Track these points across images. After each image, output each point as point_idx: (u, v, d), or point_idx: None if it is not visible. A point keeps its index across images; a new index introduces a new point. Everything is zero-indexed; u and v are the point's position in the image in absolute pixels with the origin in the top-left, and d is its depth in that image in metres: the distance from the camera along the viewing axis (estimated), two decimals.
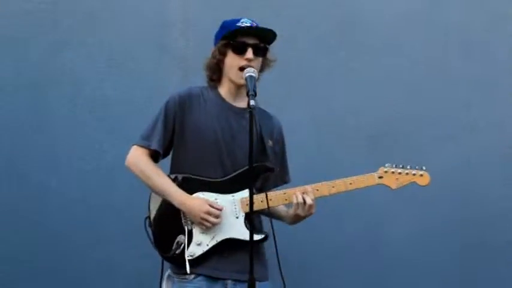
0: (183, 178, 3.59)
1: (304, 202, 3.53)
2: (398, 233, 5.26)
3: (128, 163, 3.64)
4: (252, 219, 3.35)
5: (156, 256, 3.68)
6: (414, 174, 3.63)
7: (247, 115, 3.49)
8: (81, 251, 5.07)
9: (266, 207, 3.55)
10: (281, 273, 3.56)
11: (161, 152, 3.62)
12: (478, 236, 5.29)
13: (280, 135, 3.76)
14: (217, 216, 3.51)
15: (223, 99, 3.66)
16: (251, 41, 3.58)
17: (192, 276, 3.54)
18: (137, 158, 3.63)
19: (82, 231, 5.09)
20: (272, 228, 3.58)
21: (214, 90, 3.69)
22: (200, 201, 3.52)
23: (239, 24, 3.61)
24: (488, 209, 5.32)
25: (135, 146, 3.65)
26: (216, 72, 3.67)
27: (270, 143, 3.66)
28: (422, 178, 3.63)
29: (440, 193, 5.00)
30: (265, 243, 3.64)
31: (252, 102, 3.28)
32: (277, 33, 3.66)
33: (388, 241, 5.26)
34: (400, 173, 3.63)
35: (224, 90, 3.67)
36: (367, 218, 5.23)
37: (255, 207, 3.45)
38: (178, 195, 3.55)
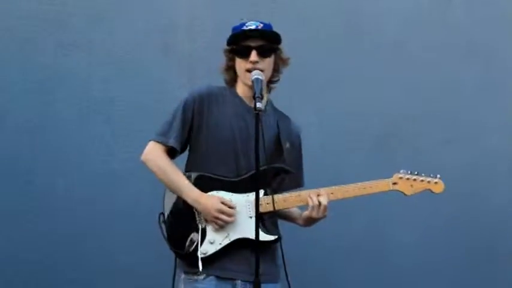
0: (197, 176, 3.61)
1: (319, 204, 3.55)
2: (404, 235, 5.26)
3: (144, 158, 3.67)
4: (258, 220, 3.34)
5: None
6: (429, 182, 3.67)
7: (264, 117, 3.59)
8: (88, 253, 5.07)
9: (275, 209, 3.56)
10: (286, 275, 3.59)
11: (178, 149, 3.64)
12: (484, 240, 5.28)
13: (297, 140, 3.80)
14: (230, 215, 3.52)
15: (241, 100, 3.69)
16: (255, 43, 3.59)
17: (202, 276, 3.55)
18: (154, 153, 3.64)
19: (89, 233, 5.08)
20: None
21: (233, 90, 3.72)
22: (214, 199, 3.54)
23: (243, 28, 3.63)
24: (495, 212, 5.30)
25: (152, 142, 3.66)
26: (230, 76, 3.72)
27: (287, 145, 3.70)
28: (437, 186, 3.67)
29: (447, 196, 4.97)
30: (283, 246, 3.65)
31: (258, 105, 3.31)
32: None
33: (393, 243, 5.26)
34: (414, 180, 3.66)
35: (240, 91, 3.71)
36: (373, 220, 5.23)
37: (265, 209, 3.52)
38: (192, 193, 3.56)
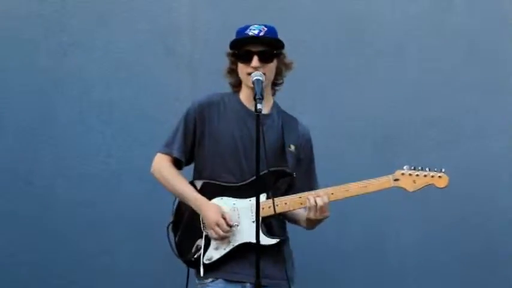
0: (202, 183, 3.67)
1: (316, 205, 3.53)
2: (404, 236, 5.25)
3: (152, 170, 3.75)
4: (258, 224, 3.35)
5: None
6: (432, 176, 3.56)
7: (267, 119, 3.64)
8: (87, 255, 5.06)
9: (276, 212, 3.58)
10: (287, 275, 3.62)
11: (182, 159, 3.71)
12: (485, 242, 5.27)
13: (306, 142, 3.81)
14: (226, 231, 3.54)
15: (243, 105, 3.71)
16: (256, 48, 3.60)
17: (210, 279, 3.60)
18: (160, 164, 3.72)
19: (87, 235, 5.07)
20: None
21: (235, 96, 3.75)
22: (215, 209, 3.58)
23: (246, 32, 3.64)
24: (496, 215, 5.30)
25: (158, 154, 3.75)
26: (234, 79, 3.73)
27: (292, 148, 3.70)
28: (441, 180, 3.56)
29: (448, 197, 4.97)
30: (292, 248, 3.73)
31: (258, 106, 3.30)
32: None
33: (393, 245, 5.24)
34: (417, 175, 3.57)
35: (243, 95, 3.73)
36: (373, 221, 5.22)
37: (267, 213, 3.54)
38: (195, 200, 3.62)
